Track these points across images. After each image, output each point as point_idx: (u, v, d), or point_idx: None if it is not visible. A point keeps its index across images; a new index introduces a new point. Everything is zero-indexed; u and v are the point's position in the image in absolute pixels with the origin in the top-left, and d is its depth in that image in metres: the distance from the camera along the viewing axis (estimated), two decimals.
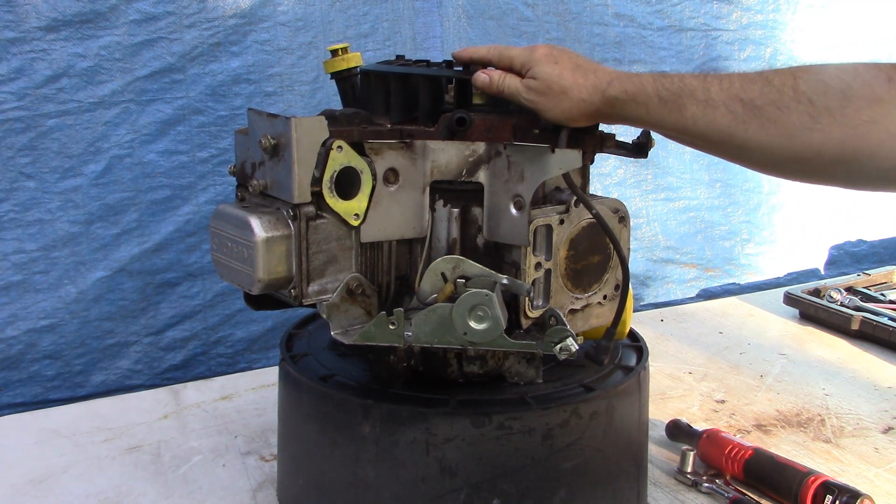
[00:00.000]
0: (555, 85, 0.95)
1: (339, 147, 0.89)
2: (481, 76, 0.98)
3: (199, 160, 1.56)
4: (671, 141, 0.97)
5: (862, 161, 0.83)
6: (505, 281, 0.94)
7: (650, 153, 1.06)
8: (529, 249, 0.94)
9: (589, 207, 0.95)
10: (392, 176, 0.95)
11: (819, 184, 0.93)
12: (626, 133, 1.06)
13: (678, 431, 1.31)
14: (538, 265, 0.95)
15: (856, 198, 2.36)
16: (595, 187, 1.24)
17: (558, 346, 0.93)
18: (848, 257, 2.40)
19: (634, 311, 1.57)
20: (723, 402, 1.49)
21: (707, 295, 2.19)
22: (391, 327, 0.93)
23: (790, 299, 1.92)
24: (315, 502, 1.05)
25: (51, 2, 1.40)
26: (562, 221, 0.96)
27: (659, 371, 1.60)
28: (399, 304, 0.98)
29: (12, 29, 1.39)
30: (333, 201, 0.91)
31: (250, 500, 1.18)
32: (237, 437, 1.35)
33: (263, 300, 1.00)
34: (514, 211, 0.94)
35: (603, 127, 1.02)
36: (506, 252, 0.98)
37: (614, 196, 1.14)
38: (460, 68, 1.00)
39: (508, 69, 0.98)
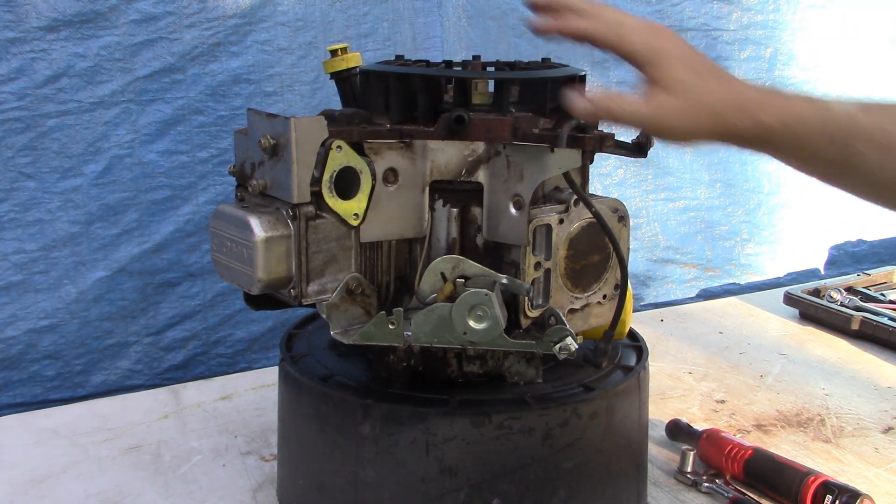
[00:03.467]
0: (691, 95, 0.74)
1: (339, 147, 0.89)
2: (580, 103, 0.75)
3: (199, 160, 1.56)
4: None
5: None
6: (504, 280, 0.94)
7: (650, 153, 1.05)
8: (529, 249, 0.94)
9: (589, 206, 0.94)
10: (391, 176, 0.95)
11: None
12: (626, 133, 1.06)
13: (678, 431, 1.31)
14: (538, 265, 0.95)
15: (856, 198, 2.35)
16: (595, 187, 1.24)
17: (558, 345, 0.93)
18: (848, 257, 2.39)
19: (634, 311, 1.57)
20: (723, 402, 1.49)
21: (707, 295, 2.19)
22: (391, 327, 0.93)
23: (790, 299, 1.92)
24: (315, 502, 1.05)
25: (51, 2, 1.40)
26: (561, 221, 0.96)
27: (659, 371, 1.60)
28: (399, 304, 0.98)
29: (12, 29, 1.39)
30: (333, 201, 0.91)
31: (250, 500, 1.18)
32: (237, 437, 1.35)
33: (263, 300, 1.00)
34: (513, 210, 0.94)
35: (602, 126, 1.01)
36: (505, 252, 0.97)
37: (614, 196, 1.13)
38: (459, 68, 1.00)
39: (612, 47, 0.76)
